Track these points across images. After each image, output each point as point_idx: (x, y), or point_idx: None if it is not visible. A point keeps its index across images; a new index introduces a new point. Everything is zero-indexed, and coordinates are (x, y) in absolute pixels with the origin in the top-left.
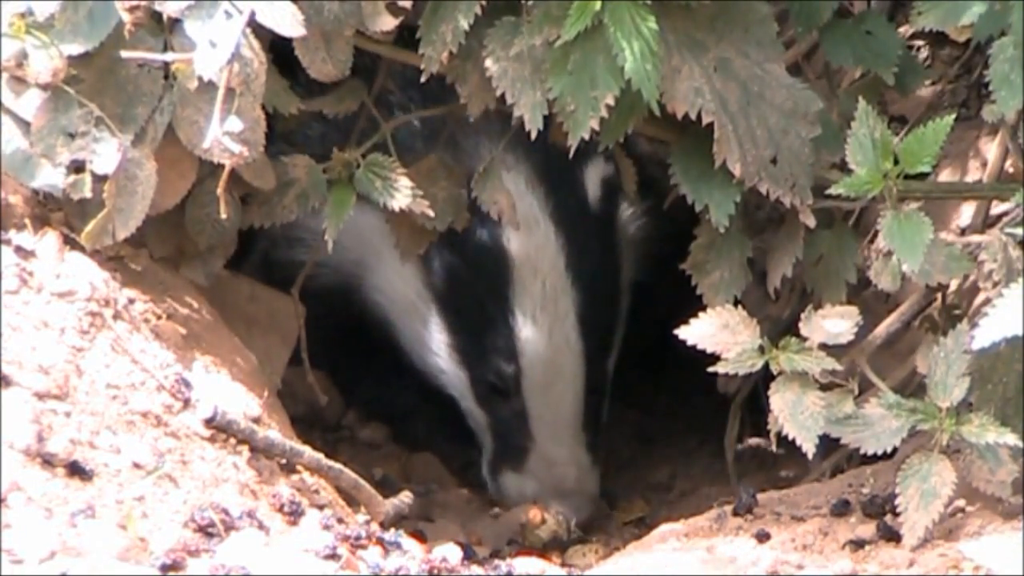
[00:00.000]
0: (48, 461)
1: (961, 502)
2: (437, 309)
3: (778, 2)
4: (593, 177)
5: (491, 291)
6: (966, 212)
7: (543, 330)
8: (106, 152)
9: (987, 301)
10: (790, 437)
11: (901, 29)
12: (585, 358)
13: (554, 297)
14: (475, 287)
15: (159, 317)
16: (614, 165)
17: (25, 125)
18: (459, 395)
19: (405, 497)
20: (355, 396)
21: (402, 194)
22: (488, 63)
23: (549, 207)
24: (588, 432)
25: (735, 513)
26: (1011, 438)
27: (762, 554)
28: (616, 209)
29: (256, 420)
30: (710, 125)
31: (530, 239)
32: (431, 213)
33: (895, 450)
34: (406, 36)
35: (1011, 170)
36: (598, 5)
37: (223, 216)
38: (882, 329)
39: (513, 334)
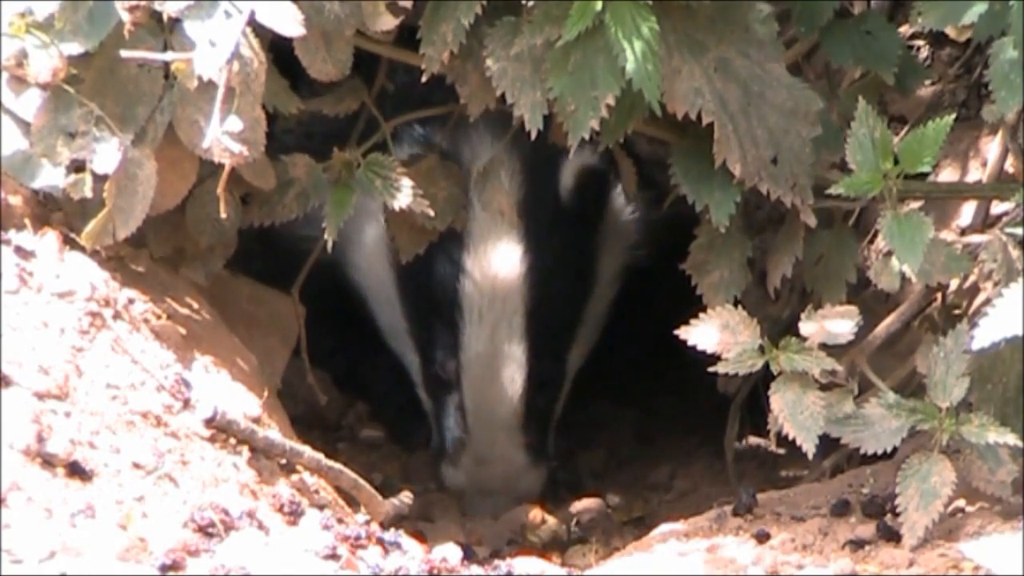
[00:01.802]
0: (48, 461)
1: (961, 502)
2: (398, 292)
3: (779, 2)
4: (570, 167)
5: (443, 281)
6: (966, 212)
7: (486, 328)
8: (106, 152)
9: (987, 301)
10: (790, 437)
11: (901, 29)
12: (530, 358)
13: (503, 295)
14: (429, 274)
15: (159, 317)
16: (602, 155)
17: (25, 125)
18: (414, 380)
19: (405, 497)
20: (343, 376)
21: (403, 194)
22: (488, 63)
23: (516, 195)
24: (529, 432)
25: (735, 513)
26: (1011, 438)
27: (762, 554)
28: (596, 198)
29: (256, 420)
30: (710, 125)
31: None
32: (431, 213)
33: (895, 450)
34: (405, 36)
35: (1011, 170)
36: (599, 5)
37: (223, 216)
38: (882, 329)
39: (457, 329)
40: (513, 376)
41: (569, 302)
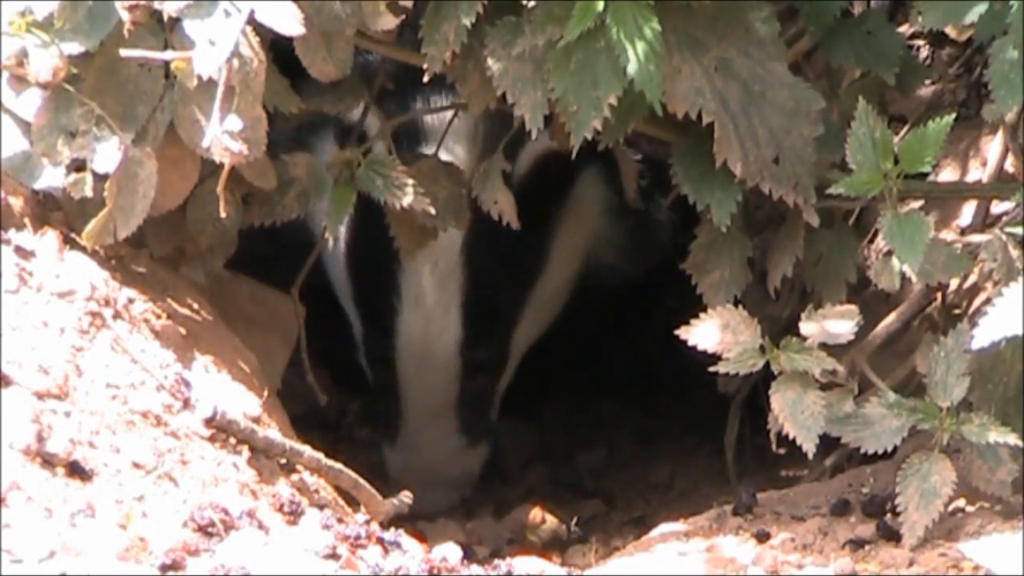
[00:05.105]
0: (48, 461)
1: (961, 502)
2: (346, 256)
3: (780, 1)
4: (529, 152)
5: (386, 258)
6: (966, 212)
7: (422, 314)
8: (107, 151)
9: (987, 301)
10: (790, 437)
11: (901, 29)
12: (466, 344)
13: (443, 281)
14: (373, 246)
15: (159, 317)
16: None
17: (25, 125)
18: (356, 344)
19: (405, 497)
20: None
21: (405, 193)
22: (489, 62)
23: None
24: (464, 416)
25: (735, 513)
26: (1012, 438)
27: (762, 554)
28: (554, 183)
29: (256, 420)
30: (711, 125)
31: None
32: (433, 211)
33: (895, 450)
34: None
35: (1011, 170)
36: (600, 5)
37: (223, 215)
38: (882, 329)
39: (394, 312)
40: (448, 362)
41: (513, 286)
